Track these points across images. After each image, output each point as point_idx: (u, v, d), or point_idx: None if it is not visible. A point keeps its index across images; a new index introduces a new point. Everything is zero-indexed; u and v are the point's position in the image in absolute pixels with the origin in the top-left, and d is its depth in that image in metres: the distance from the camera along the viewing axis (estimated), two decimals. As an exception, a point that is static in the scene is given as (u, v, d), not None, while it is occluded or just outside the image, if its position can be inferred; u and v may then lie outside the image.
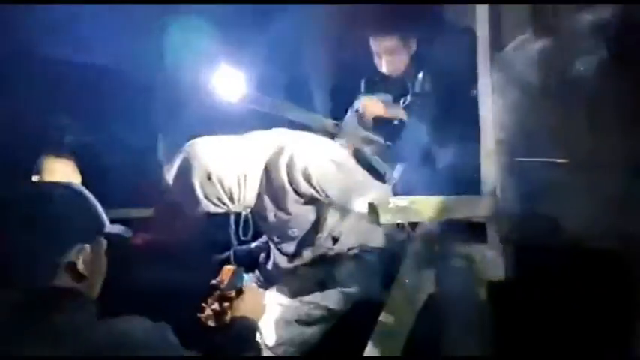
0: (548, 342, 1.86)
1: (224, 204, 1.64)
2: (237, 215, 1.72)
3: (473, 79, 1.79)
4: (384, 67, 2.22)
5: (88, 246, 1.04)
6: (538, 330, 1.87)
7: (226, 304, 1.46)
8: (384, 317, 1.63)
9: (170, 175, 1.63)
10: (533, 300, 1.84)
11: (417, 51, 2.19)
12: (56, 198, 1.06)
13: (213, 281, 1.50)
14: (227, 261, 1.79)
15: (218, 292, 1.48)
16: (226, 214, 1.72)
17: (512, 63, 1.85)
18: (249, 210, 1.74)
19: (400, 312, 1.64)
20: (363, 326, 1.64)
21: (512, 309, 1.74)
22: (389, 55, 2.17)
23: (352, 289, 1.74)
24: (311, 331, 1.70)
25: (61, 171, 2.11)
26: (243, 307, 1.43)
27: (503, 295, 1.71)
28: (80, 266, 1.02)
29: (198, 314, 1.48)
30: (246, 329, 1.38)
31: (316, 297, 1.72)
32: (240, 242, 1.81)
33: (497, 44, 1.77)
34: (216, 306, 1.47)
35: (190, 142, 1.66)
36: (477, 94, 1.76)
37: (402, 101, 2.35)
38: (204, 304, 1.49)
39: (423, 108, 2.19)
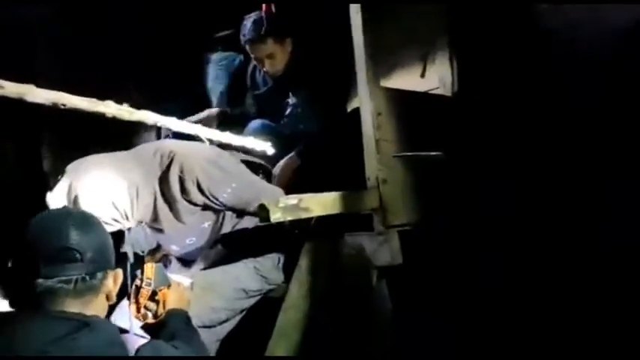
0: (436, 321, 2.03)
1: (117, 222, 1.61)
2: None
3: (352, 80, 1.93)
4: (267, 68, 2.35)
5: None
6: (426, 309, 2.04)
7: (158, 299, 1.55)
8: (283, 311, 1.70)
9: (54, 202, 1.51)
10: (420, 282, 2.00)
11: (293, 51, 2.34)
12: None
13: (138, 281, 1.54)
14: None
15: (150, 290, 1.54)
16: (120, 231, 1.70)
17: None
18: (144, 224, 1.73)
19: (299, 305, 1.72)
20: (264, 322, 1.71)
21: (401, 292, 1.88)
22: (269, 58, 2.31)
23: (251, 287, 1.80)
24: (215, 332, 1.74)
25: None
26: (175, 300, 1.55)
27: (392, 279, 1.85)
28: None
29: (135, 315, 1.54)
30: (187, 318, 1.49)
31: (216, 300, 1.76)
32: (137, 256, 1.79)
33: (373, 51, 1.90)
34: (150, 303, 1.56)
35: (72, 163, 1.57)
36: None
37: (287, 111, 2.44)
38: (137, 304, 1.54)
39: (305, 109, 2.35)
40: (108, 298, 1.13)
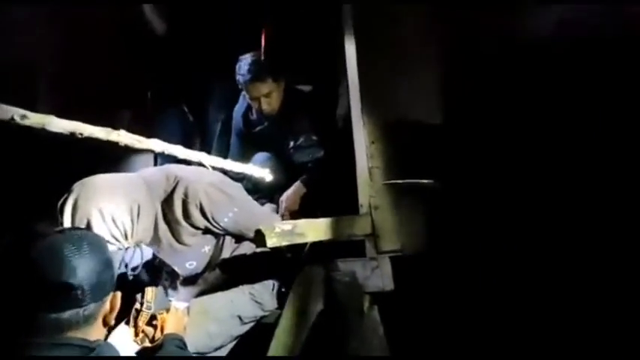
0: (430, 343, 2.05)
1: (117, 240, 1.63)
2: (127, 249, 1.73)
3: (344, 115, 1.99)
4: (263, 107, 2.43)
5: None
6: (421, 333, 2.06)
7: (156, 323, 1.56)
8: (276, 337, 1.73)
9: (64, 216, 1.56)
10: (411, 306, 2.03)
11: (287, 88, 2.46)
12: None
13: (138, 305, 1.56)
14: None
15: (149, 313, 1.56)
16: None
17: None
18: (142, 244, 1.76)
19: (291, 330, 1.74)
20: (257, 348, 1.73)
21: (392, 316, 1.91)
22: (266, 97, 2.40)
23: (247, 314, 1.83)
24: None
25: None
26: (173, 325, 1.57)
27: (383, 303, 1.88)
28: None
29: (133, 339, 1.54)
30: (183, 343, 1.52)
31: (212, 326, 1.79)
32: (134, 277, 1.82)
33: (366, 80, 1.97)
34: (148, 327, 1.57)
35: (80, 181, 1.61)
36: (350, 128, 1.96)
37: (290, 144, 2.51)
38: (136, 328, 1.56)
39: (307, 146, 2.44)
40: (105, 321, 1.14)
